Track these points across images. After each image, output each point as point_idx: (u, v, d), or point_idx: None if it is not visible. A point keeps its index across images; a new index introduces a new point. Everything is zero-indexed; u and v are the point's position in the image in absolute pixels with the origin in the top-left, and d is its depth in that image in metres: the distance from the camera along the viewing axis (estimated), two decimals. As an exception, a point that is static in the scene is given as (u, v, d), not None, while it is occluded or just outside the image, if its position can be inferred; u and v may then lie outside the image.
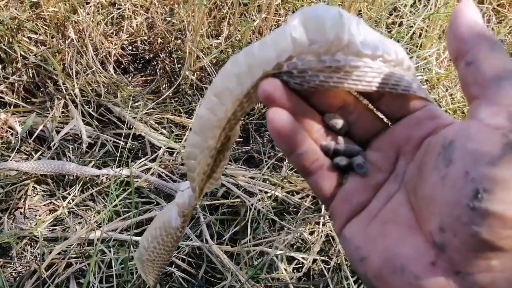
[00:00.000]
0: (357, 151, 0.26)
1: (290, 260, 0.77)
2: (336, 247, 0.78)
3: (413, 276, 0.21)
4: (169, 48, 1.04)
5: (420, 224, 0.23)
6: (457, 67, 0.23)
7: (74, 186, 0.84)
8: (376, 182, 0.25)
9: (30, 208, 0.83)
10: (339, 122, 0.26)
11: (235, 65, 0.25)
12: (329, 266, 0.77)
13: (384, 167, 0.26)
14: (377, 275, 0.23)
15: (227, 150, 0.29)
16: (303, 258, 0.77)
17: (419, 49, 1.07)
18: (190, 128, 0.94)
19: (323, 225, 0.80)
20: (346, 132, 0.27)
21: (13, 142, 0.89)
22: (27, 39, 0.96)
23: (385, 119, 0.27)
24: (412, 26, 1.09)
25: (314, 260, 0.77)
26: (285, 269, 0.75)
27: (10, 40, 0.94)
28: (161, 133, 0.93)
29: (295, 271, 0.77)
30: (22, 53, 0.93)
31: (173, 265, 0.74)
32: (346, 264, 0.76)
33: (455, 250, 0.20)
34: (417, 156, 0.24)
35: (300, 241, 0.80)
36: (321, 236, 0.79)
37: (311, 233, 0.80)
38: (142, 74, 1.05)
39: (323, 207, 0.82)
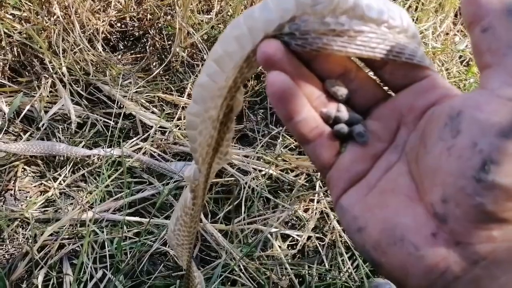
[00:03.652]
0: (358, 120, 0.25)
1: (285, 237, 0.77)
2: (330, 224, 0.78)
3: (413, 246, 0.21)
4: (159, 25, 1.01)
5: (421, 195, 0.22)
6: (471, 34, 0.22)
7: (65, 167, 0.83)
8: (376, 152, 0.25)
9: (20, 190, 0.81)
10: (341, 89, 0.25)
11: (235, 28, 0.24)
12: (323, 243, 0.76)
13: (384, 136, 0.25)
14: (375, 246, 0.22)
15: (231, 122, 0.28)
16: (297, 235, 0.77)
17: (415, 23, 1.05)
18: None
19: (318, 202, 0.80)
20: (347, 100, 0.26)
21: (0, 123, 0.87)
22: (10, 16, 0.93)
23: (386, 88, 0.26)
24: (408, -1, 1.06)
25: (309, 237, 0.77)
26: (280, 247, 0.75)
27: (-7, 17, 0.91)
28: (152, 112, 0.91)
29: (289, 248, 0.77)
30: (6, 30, 0.90)
31: (167, 244, 0.74)
32: (341, 241, 0.76)
33: (456, 221, 0.20)
34: (419, 126, 0.24)
35: (294, 218, 0.79)
36: (316, 213, 0.79)
37: (306, 211, 0.80)
38: (132, 51, 1.03)
39: (317, 184, 0.81)
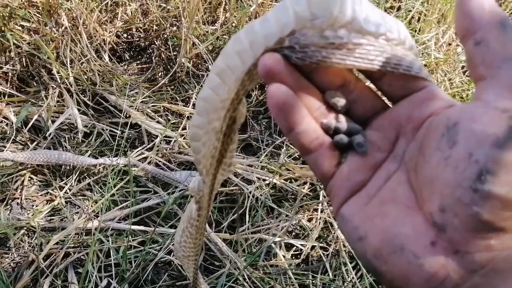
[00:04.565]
0: (358, 130, 0.26)
1: (289, 247, 0.77)
2: (334, 233, 0.78)
3: (413, 255, 0.21)
4: (165, 35, 1.02)
5: (420, 204, 0.22)
6: (465, 46, 0.22)
7: (71, 176, 0.84)
8: (375, 162, 0.25)
9: (27, 199, 0.82)
10: (340, 100, 0.26)
11: (236, 43, 0.24)
12: (327, 252, 0.77)
13: (384, 146, 0.25)
14: (376, 255, 0.22)
15: (234, 133, 0.28)
16: (301, 244, 0.77)
17: (418, 33, 1.06)
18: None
19: (321, 211, 0.80)
20: (346, 110, 0.26)
21: (8, 132, 0.89)
22: (19, 27, 0.95)
23: (385, 99, 0.27)
24: (410, 10, 1.07)
25: (313, 247, 0.77)
26: (284, 256, 0.75)
27: (2, 28, 0.92)
28: (157, 122, 0.92)
29: (293, 257, 0.77)
30: (15, 41, 0.92)
31: (171, 253, 0.74)
32: (345, 250, 0.76)
33: (455, 230, 0.20)
34: (417, 136, 0.24)
35: (298, 228, 0.80)
36: (319, 222, 0.79)
37: (309, 220, 0.80)
38: (138, 62, 1.04)
39: (321, 193, 0.82)
